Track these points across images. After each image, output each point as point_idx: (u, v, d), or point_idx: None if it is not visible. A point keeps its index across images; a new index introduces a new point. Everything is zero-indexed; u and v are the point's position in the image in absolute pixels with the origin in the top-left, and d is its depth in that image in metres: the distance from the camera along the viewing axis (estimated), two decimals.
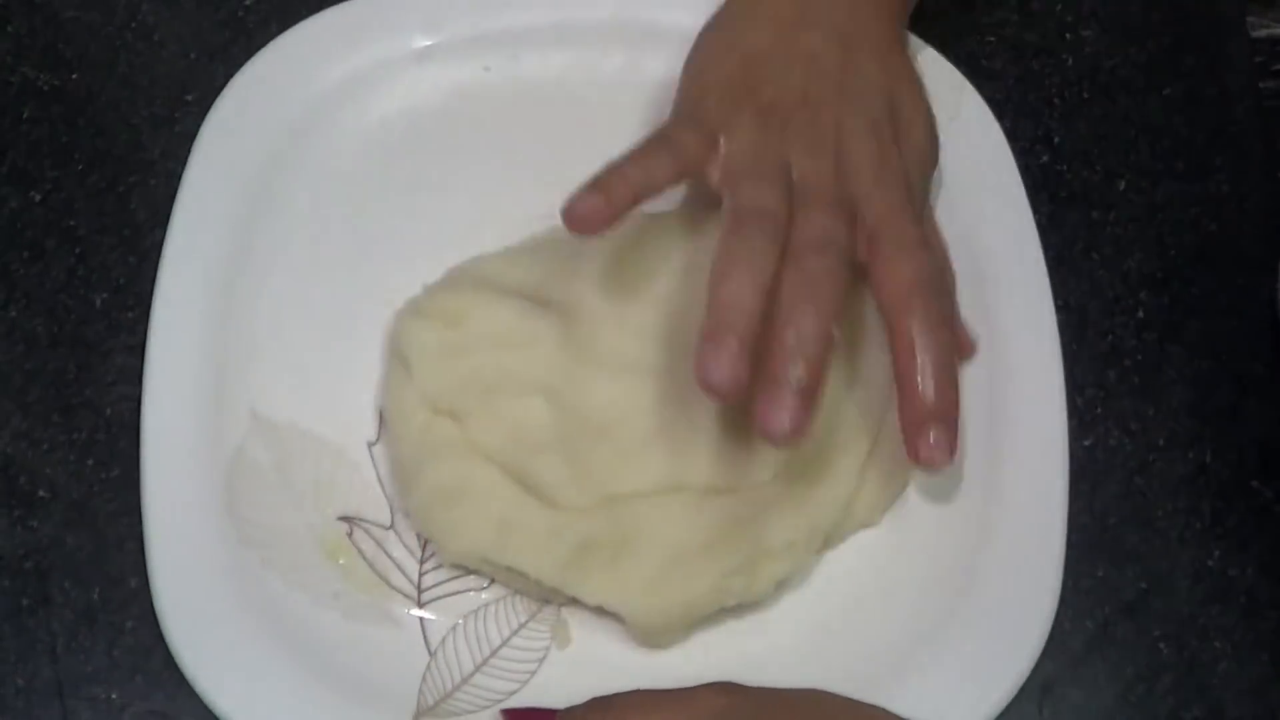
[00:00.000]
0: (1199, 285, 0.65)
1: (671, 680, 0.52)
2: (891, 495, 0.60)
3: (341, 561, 0.59)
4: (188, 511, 0.58)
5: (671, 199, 0.61)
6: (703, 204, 0.60)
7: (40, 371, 0.62)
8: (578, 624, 0.58)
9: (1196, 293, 0.65)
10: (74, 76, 0.67)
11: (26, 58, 0.67)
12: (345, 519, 0.60)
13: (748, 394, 0.52)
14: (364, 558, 0.59)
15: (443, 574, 0.59)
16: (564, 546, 0.56)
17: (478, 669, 0.58)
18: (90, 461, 0.61)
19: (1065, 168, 0.67)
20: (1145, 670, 0.59)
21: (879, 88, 0.60)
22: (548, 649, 0.58)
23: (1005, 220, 0.64)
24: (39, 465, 0.61)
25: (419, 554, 0.59)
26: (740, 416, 0.55)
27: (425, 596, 0.59)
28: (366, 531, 0.60)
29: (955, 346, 0.57)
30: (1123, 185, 0.67)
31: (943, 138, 0.62)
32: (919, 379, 0.55)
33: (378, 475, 0.60)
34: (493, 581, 0.59)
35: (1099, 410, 0.63)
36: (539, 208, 0.62)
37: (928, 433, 0.54)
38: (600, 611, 0.58)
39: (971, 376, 0.61)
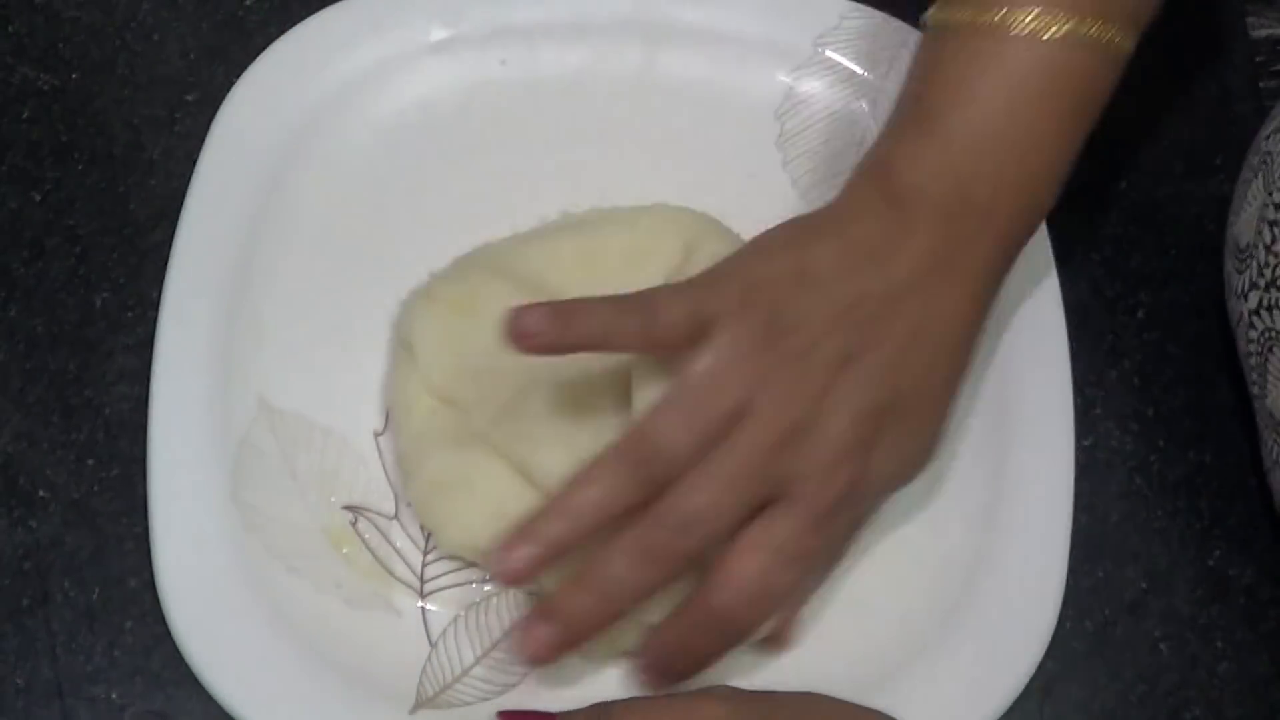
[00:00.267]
0: (1200, 285, 0.65)
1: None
2: None
3: (345, 551, 0.59)
4: (193, 498, 0.59)
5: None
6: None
7: (40, 371, 0.62)
8: None
9: (1197, 293, 0.65)
10: (74, 76, 0.67)
11: (26, 58, 0.67)
12: (350, 508, 0.60)
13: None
14: (368, 547, 0.59)
15: (446, 565, 0.59)
16: None
17: (478, 661, 0.58)
18: (90, 461, 0.61)
19: None
20: (1145, 670, 0.59)
21: (902, 370, 0.53)
22: None
23: None
24: (39, 465, 0.61)
25: (422, 545, 0.60)
26: None
27: (428, 587, 0.59)
28: (371, 521, 0.60)
29: (708, 652, 0.53)
30: (1123, 185, 0.67)
31: None
32: (663, 633, 0.53)
33: (383, 465, 0.60)
34: None
35: (1099, 410, 0.63)
36: (552, 202, 0.63)
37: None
38: None
39: (980, 380, 0.61)
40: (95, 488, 0.60)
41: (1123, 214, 0.66)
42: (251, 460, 0.60)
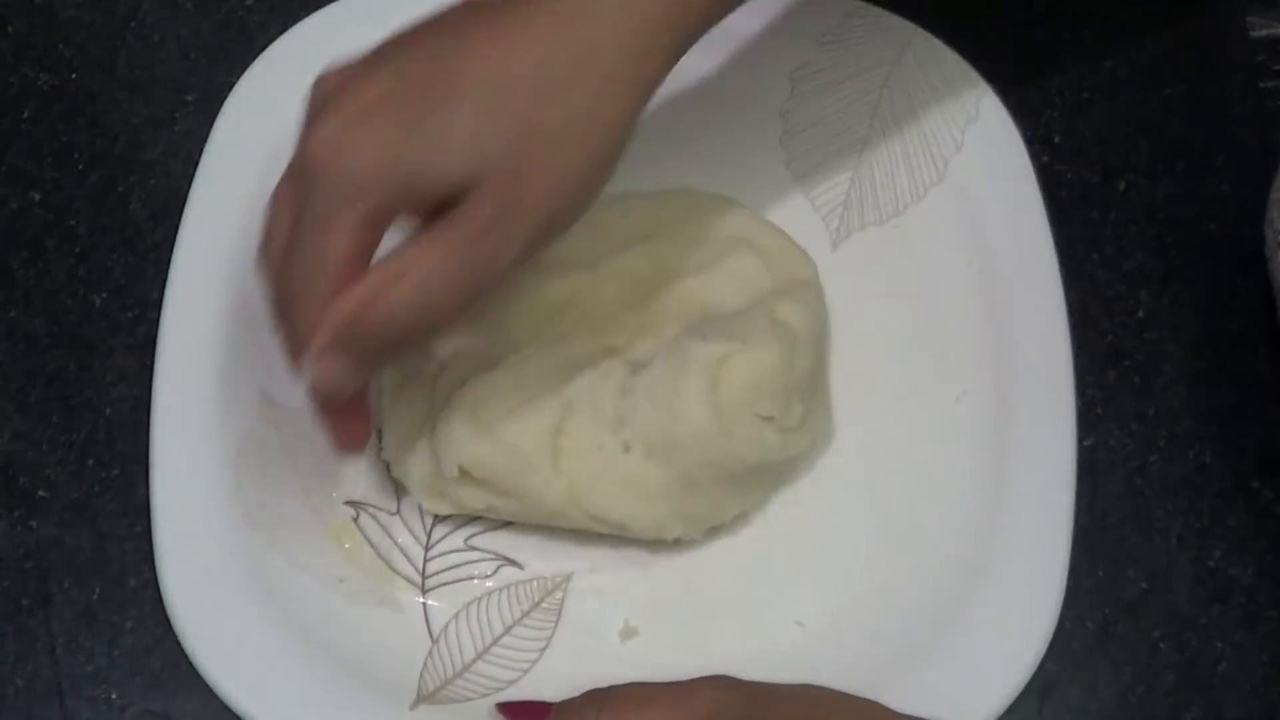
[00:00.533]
0: (1199, 285, 0.65)
1: (668, 674, 0.52)
2: None
3: (347, 546, 0.59)
4: (196, 493, 0.59)
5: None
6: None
7: (40, 371, 0.62)
8: (575, 613, 0.59)
9: (1196, 293, 0.65)
10: (74, 76, 0.67)
11: (26, 58, 0.67)
12: (352, 504, 0.60)
13: None
14: (369, 543, 0.59)
15: (447, 561, 0.60)
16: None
17: (479, 657, 0.58)
18: (90, 461, 0.61)
19: (1065, 168, 0.67)
20: (1145, 670, 0.59)
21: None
22: (549, 639, 0.58)
23: (1021, 225, 0.64)
24: (39, 465, 0.61)
25: (424, 540, 0.60)
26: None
27: (429, 583, 0.59)
28: (373, 517, 0.60)
29: None
30: (1123, 185, 0.67)
31: (961, 140, 0.63)
32: None
33: (385, 461, 0.60)
34: (498, 569, 0.59)
35: (1099, 410, 0.63)
36: None
37: None
38: (600, 599, 0.59)
39: (981, 380, 0.61)
40: (95, 488, 0.60)
41: (1123, 214, 0.66)
42: (254, 456, 0.60)
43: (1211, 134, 0.68)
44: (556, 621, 0.59)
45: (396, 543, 0.60)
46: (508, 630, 0.59)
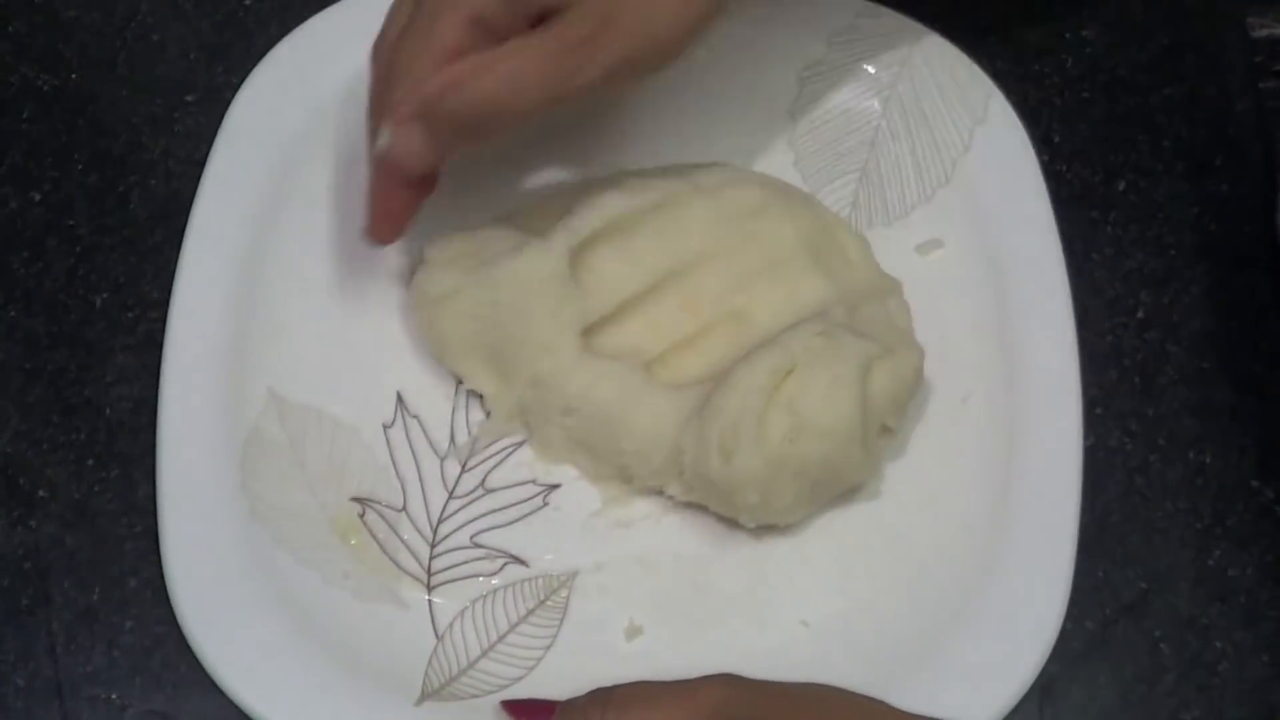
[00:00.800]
0: (1199, 285, 0.65)
1: (673, 673, 0.52)
2: None
3: (353, 542, 0.59)
4: (202, 487, 0.59)
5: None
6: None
7: (40, 371, 0.62)
8: (580, 611, 0.59)
9: (1196, 293, 0.65)
10: (74, 76, 0.67)
11: (26, 58, 0.67)
12: (358, 500, 0.60)
13: None
14: (375, 539, 0.60)
15: (453, 558, 0.60)
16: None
17: (484, 654, 0.58)
18: (90, 461, 0.61)
19: (1065, 168, 0.67)
20: (1145, 670, 0.59)
21: None
22: (554, 637, 0.58)
23: (1028, 226, 0.64)
24: (39, 465, 0.61)
25: (430, 537, 0.60)
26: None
27: (435, 580, 0.59)
28: (379, 513, 0.60)
29: None
30: (1123, 185, 0.67)
31: (969, 141, 0.64)
32: None
33: (392, 458, 0.61)
34: (503, 567, 0.59)
35: (1099, 410, 0.63)
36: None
37: None
38: (605, 597, 0.59)
39: (988, 381, 0.62)
40: (95, 488, 0.60)
41: (1123, 214, 0.66)
42: (261, 451, 0.60)
43: (1211, 134, 0.68)
44: (562, 619, 0.59)
45: (402, 539, 0.60)
46: (513, 628, 0.59)
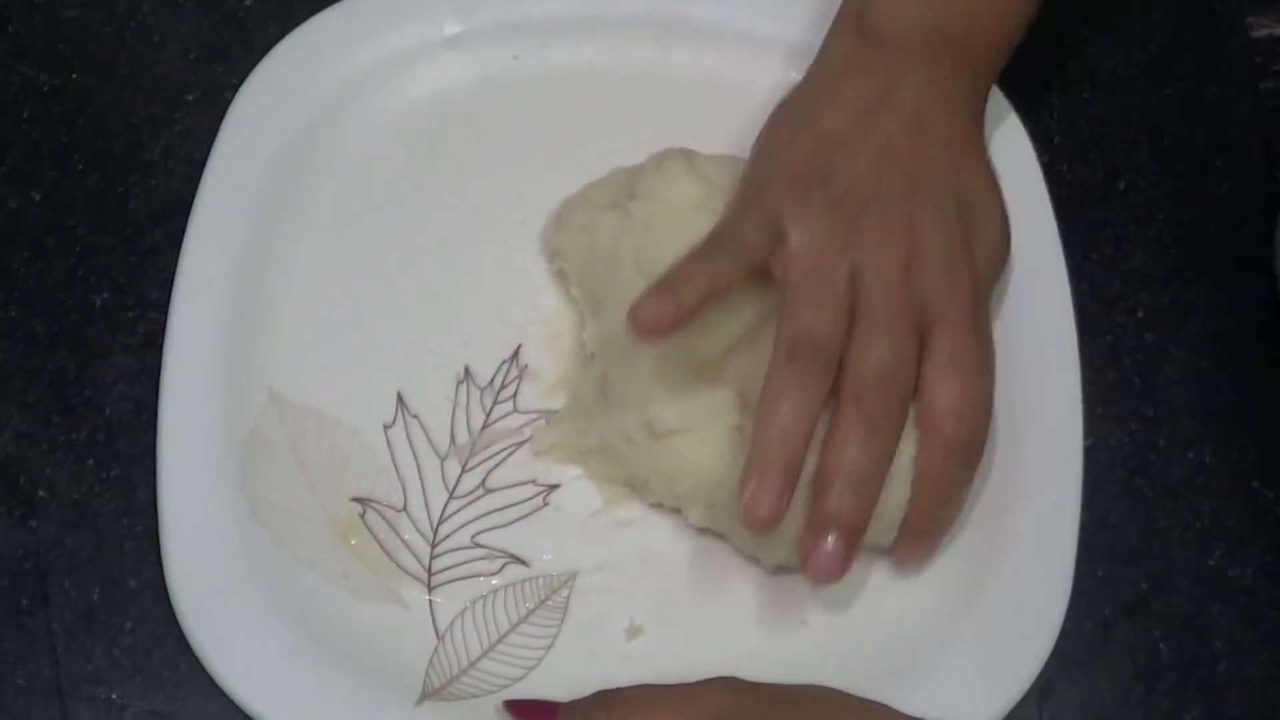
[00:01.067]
0: (1199, 285, 0.65)
1: (675, 675, 0.52)
2: None
3: (353, 542, 0.59)
4: (202, 487, 0.59)
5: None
6: None
7: (40, 371, 0.62)
8: (581, 611, 0.59)
9: (1196, 293, 0.65)
10: (74, 76, 0.67)
11: (26, 58, 0.67)
12: (359, 500, 0.60)
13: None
14: (376, 539, 0.60)
15: (454, 558, 0.60)
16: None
17: (485, 654, 0.58)
18: (90, 461, 0.61)
19: (1065, 168, 0.67)
20: (1145, 670, 0.59)
21: (952, 181, 0.58)
22: (554, 638, 0.58)
23: (1027, 223, 0.63)
24: (39, 465, 0.61)
25: (430, 537, 0.60)
26: None
27: (435, 580, 0.59)
28: (379, 513, 0.60)
29: (964, 482, 0.58)
30: (1123, 185, 0.67)
31: None
32: (920, 496, 0.56)
33: (392, 457, 0.61)
34: (504, 567, 0.59)
35: (1099, 410, 0.63)
36: (565, 196, 0.63)
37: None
38: (606, 597, 0.59)
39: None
40: (95, 488, 0.60)
41: (1123, 214, 0.66)
42: (261, 451, 0.60)
43: (1211, 134, 0.68)
44: (562, 620, 0.59)
45: (403, 539, 0.60)
46: (513, 628, 0.59)
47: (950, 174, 0.58)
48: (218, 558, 0.58)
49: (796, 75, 0.66)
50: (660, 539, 0.60)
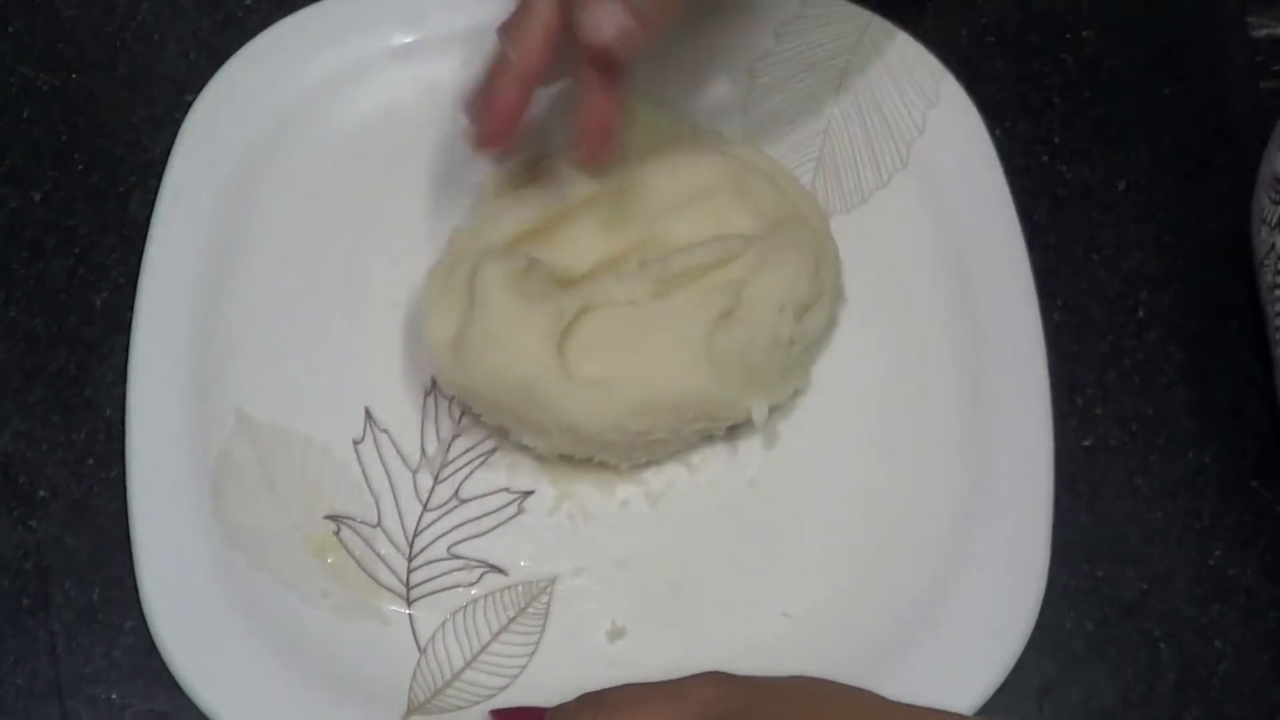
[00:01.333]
0: (1199, 285, 0.65)
1: (660, 673, 0.52)
2: None
3: (330, 560, 0.59)
4: (175, 514, 0.59)
5: None
6: None
7: (40, 371, 0.62)
8: (562, 616, 0.59)
9: (1196, 293, 0.65)
10: (74, 76, 0.67)
11: (26, 58, 0.67)
12: (332, 518, 0.60)
13: None
14: (352, 556, 0.59)
15: (431, 570, 0.59)
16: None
17: (468, 665, 0.58)
18: (90, 461, 0.61)
19: (1065, 168, 0.67)
20: (1145, 670, 0.59)
21: None
22: (537, 644, 0.58)
23: (986, 208, 0.64)
24: (39, 465, 0.61)
25: (407, 551, 0.60)
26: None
27: (414, 594, 0.59)
28: (354, 530, 0.60)
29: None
30: (1123, 185, 0.67)
31: (923, 124, 0.64)
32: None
33: (364, 474, 0.60)
34: (482, 576, 0.59)
35: (1099, 410, 0.63)
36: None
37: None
38: (586, 601, 0.59)
39: (954, 362, 0.62)
40: (95, 488, 0.60)
41: (1123, 214, 0.66)
42: (231, 474, 0.60)
43: (1211, 134, 0.68)
44: (544, 626, 0.59)
45: (379, 554, 0.59)
46: (495, 637, 0.58)
47: None
48: (195, 585, 0.58)
49: (747, 69, 0.66)
50: (637, 540, 0.60)
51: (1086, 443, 0.62)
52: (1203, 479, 0.62)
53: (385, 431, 0.61)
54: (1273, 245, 0.59)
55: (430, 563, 0.59)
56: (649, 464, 0.61)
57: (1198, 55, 0.69)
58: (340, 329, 0.62)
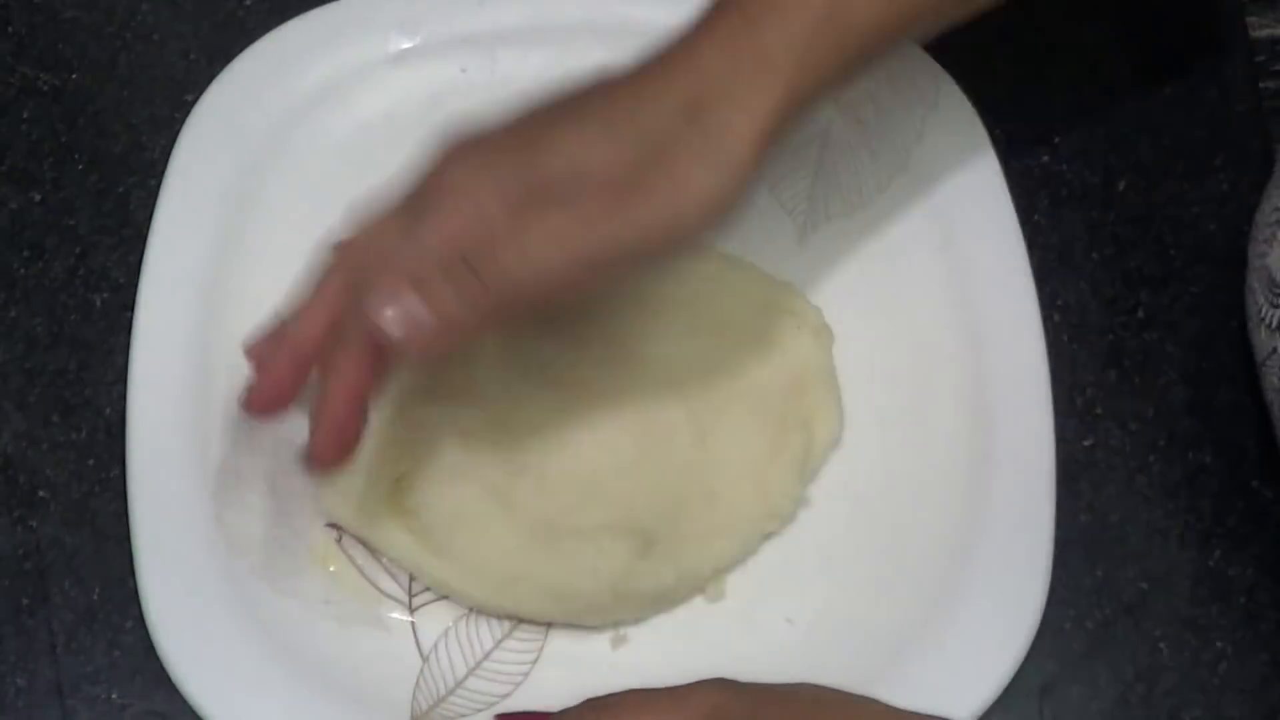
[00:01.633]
0: (1199, 285, 0.65)
1: (663, 679, 0.52)
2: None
3: (332, 569, 0.59)
4: (176, 522, 0.58)
5: None
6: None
7: (40, 371, 0.62)
8: (565, 627, 0.59)
9: (1196, 293, 0.65)
10: (74, 76, 0.67)
11: (26, 58, 0.67)
12: (334, 526, 0.60)
13: None
14: (354, 564, 0.59)
15: None
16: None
17: (470, 672, 0.58)
18: (90, 461, 0.61)
19: (1065, 168, 0.67)
20: (1145, 670, 0.59)
21: None
22: (540, 651, 0.58)
23: (985, 210, 0.64)
24: (39, 465, 0.61)
25: None
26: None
27: (416, 601, 0.59)
28: (355, 538, 0.60)
29: None
30: (1123, 185, 0.67)
31: (921, 128, 0.64)
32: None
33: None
34: None
35: (1099, 410, 0.63)
36: None
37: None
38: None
39: (957, 368, 0.62)
40: (95, 488, 0.60)
41: (1123, 214, 0.66)
42: (232, 483, 0.59)
43: (1211, 134, 0.68)
44: (546, 633, 0.59)
45: (381, 562, 0.59)
46: (498, 644, 0.58)
47: None
48: (197, 593, 0.57)
49: None
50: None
51: (1086, 443, 0.62)
52: (1203, 479, 0.62)
53: None
54: (1274, 349, 0.59)
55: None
56: None
57: (1198, 55, 0.69)
58: None
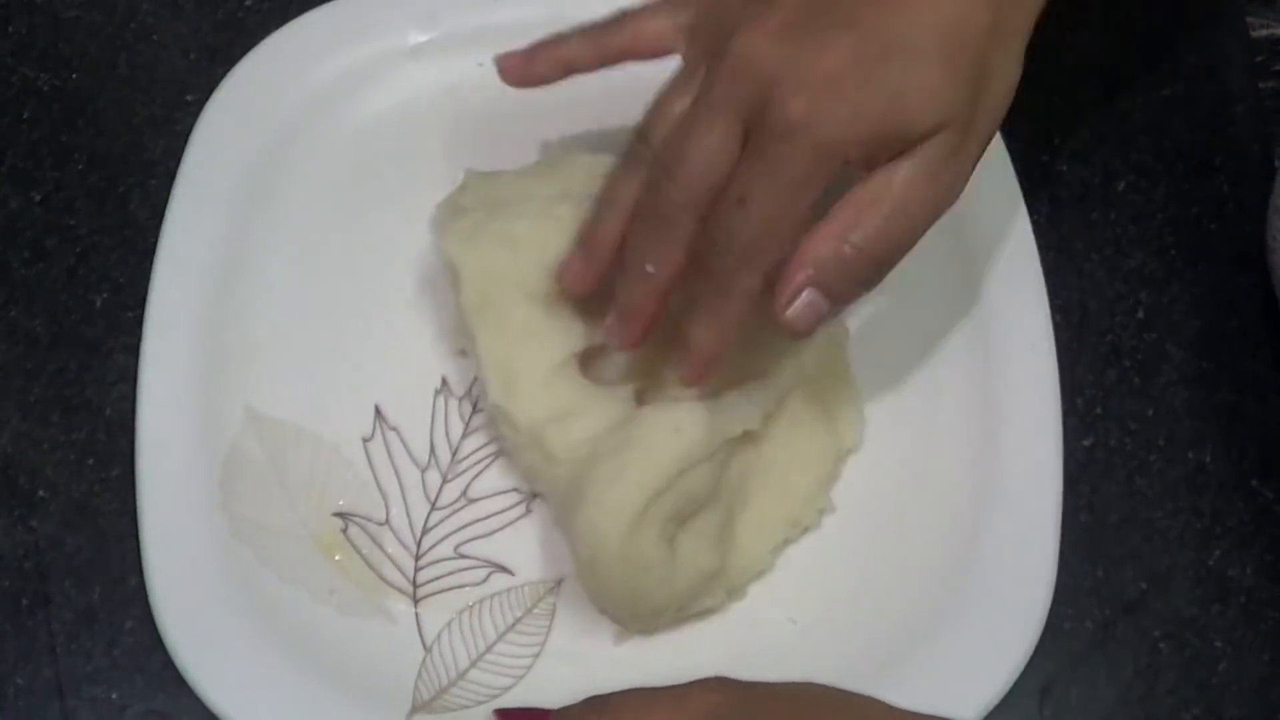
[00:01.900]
0: (1199, 285, 0.65)
1: (665, 677, 0.52)
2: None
3: (337, 558, 0.59)
4: (183, 509, 0.59)
5: None
6: None
7: (40, 371, 0.62)
8: (568, 617, 0.59)
9: (1196, 293, 0.65)
10: (74, 76, 0.67)
11: (26, 58, 0.67)
12: (340, 515, 0.60)
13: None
14: (359, 554, 0.59)
15: (438, 570, 0.59)
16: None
17: (473, 664, 0.58)
18: (90, 461, 0.61)
19: (1065, 168, 0.67)
20: (1145, 670, 0.59)
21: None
22: (543, 645, 0.58)
23: (998, 213, 0.64)
24: (39, 465, 0.61)
25: (414, 549, 0.60)
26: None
27: (420, 592, 0.59)
28: (361, 528, 0.60)
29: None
30: (1123, 185, 0.67)
31: None
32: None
33: (373, 472, 0.61)
34: (489, 576, 0.59)
35: (1099, 410, 0.63)
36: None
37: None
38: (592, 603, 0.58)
39: (964, 366, 0.62)
40: (95, 488, 0.60)
41: (1123, 214, 0.66)
42: (240, 470, 0.60)
43: (1211, 134, 0.68)
44: (550, 626, 0.59)
45: (386, 553, 0.59)
46: (501, 637, 0.58)
47: None
48: (202, 580, 0.58)
49: None
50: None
51: (1086, 443, 0.62)
52: (1203, 479, 0.62)
53: (395, 430, 0.61)
54: None
55: (437, 561, 0.59)
56: None
57: (1198, 55, 0.69)
58: (351, 327, 0.63)
